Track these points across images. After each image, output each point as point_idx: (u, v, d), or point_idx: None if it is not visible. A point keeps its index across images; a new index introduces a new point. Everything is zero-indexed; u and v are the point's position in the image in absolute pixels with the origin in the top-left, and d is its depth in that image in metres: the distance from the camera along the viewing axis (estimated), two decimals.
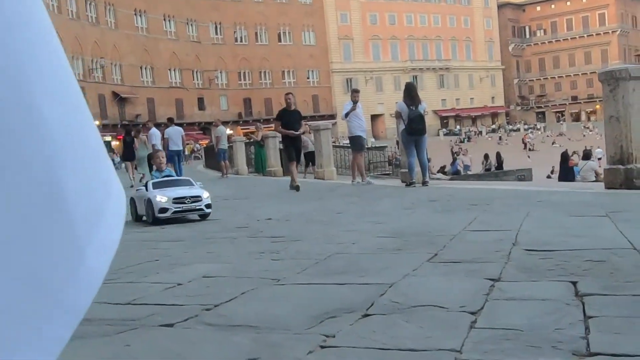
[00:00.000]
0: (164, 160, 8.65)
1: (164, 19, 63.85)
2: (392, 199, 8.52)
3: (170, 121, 18.23)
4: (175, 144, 16.57)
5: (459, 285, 2.86)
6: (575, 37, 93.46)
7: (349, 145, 14.03)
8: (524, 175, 25.13)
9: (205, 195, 7.51)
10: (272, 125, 17.62)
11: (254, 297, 2.92)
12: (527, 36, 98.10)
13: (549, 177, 25.47)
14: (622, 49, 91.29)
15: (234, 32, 70.53)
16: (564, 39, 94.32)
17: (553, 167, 25.97)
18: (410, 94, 10.70)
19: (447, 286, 2.87)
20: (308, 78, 75.64)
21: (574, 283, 2.73)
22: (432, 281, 3.01)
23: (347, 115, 12.13)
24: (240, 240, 5.22)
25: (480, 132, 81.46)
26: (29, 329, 0.54)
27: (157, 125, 21.75)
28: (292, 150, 12.16)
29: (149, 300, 2.92)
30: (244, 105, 70.93)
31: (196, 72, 67.28)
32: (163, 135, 17.14)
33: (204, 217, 7.50)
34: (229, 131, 28.77)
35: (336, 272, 3.36)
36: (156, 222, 7.31)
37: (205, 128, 62.93)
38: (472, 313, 2.34)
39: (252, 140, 23.35)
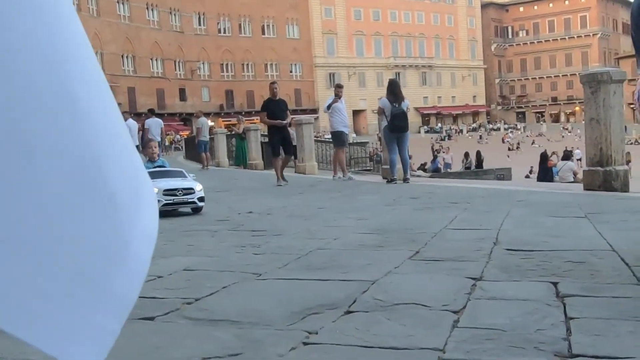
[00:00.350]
0: (157, 150, 8.19)
1: (147, 8, 63.28)
2: (373, 195, 8.52)
3: (151, 112, 18.33)
4: (154, 135, 16.74)
5: (441, 283, 2.87)
6: (556, 39, 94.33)
7: (331, 140, 14.03)
8: (503, 174, 25.31)
9: (198, 187, 7.11)
10: (255, 118, 16.87)
11: (236, 291, 2.90)
12: (510, 36, 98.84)
13: (527, 177, 25.70)
14: (602, 52, 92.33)
15: (218, 23, 70.17)
16: (545, 40, 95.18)
17: (532, 167, 26.22)
18: (394, 91, 10.73)
19: (429, 284, 2.87)
20: (291, 72, 75.53)
21: (555, 284, 2.75)
22: (414, 279, 3.01)
23: (329, 107, 12.13)
24: (221, 234, 5.19)
25: (461, 131, 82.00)
26: (80, 322, 0.51)
27: (138, 115, 21.57)
28: (278, 142, 11.61)
29: None
30: (226, 97, 70.63)
31: (178, 62, 66.83)
32: (143, 126, 17.14)
33: (196, 210, 7.14)
34: (210, 123, 28.60)
35: (318, 268, 3.35)
36: None
37: (186, 119, 62.58)
38: (455, 312, 2.35)
39: (233, 132, 23.25)
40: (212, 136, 22.09)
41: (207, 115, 21.91)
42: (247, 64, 72.33)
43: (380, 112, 10.90)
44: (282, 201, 8.11)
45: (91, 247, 0.54)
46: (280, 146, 11.73)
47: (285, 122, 11.51)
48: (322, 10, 77.75)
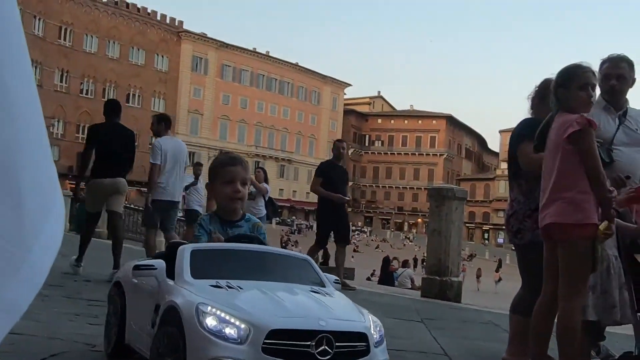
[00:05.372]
0: (244, 194, 2.88)
1: None
2: None
3: None
4: None
5: None
6: (408, 153, 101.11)
7: (183, 218, 13.78)
8: (346, 274, 25.95)
9: (375, 331, 2.33)
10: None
11: None
12: (367, 144, 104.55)
13: (369, 279, 26.55)
14: (447, 172, 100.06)
15: (81, 83, 68.12)
16: (398, 153, 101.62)
17: (374, 270, 27.19)
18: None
19: None
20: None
21: None
22: None
23: (187, 188, 12.00)
24: (53, 299, 4.82)
25: (312, 227, 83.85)
26: None
27: None
28: (331, 225, 8.10)
29: None
30: (77, 160, 67.61)
31: None
32: None
33: None
34: None
35: None
36: None
37: None
38: None
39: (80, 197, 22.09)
40: None
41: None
42: None
43: None
44: None
45: None
46: (333, 231, 8.27)
47: (347, 197, 8.53)
48: (191, 89, 78.11)
